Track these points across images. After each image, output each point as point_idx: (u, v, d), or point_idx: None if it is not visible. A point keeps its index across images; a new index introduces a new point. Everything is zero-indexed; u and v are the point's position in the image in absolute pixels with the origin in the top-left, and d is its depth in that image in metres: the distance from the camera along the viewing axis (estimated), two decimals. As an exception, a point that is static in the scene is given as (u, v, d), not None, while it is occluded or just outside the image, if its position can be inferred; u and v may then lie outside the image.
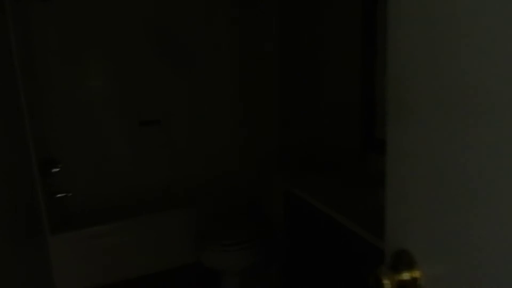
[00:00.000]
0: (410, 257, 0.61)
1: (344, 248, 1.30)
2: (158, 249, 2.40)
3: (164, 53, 2.53)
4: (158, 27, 2.50)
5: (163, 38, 2.52)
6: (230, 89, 2.74)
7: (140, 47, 2.47)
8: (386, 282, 0.59)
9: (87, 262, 2.20)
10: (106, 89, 2.46)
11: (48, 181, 2.12)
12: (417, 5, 0.56)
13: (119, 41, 2.42)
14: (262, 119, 2.65)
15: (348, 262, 1.28)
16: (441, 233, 0.55)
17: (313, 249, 1.50)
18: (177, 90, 2.61)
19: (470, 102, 0.49)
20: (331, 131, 2.06)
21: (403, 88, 0.61)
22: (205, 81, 2.66)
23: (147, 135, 2.58)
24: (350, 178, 1.65)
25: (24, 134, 1.89)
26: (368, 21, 1.66)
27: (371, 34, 1.65)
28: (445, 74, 0.53)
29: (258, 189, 2.59)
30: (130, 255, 2.31)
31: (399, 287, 0.60)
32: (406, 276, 0.60)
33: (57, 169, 2.15)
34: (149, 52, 2.50)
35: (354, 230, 1.21)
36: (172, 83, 2.59)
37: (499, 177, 0.46)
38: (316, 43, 2.10)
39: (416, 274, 0.59)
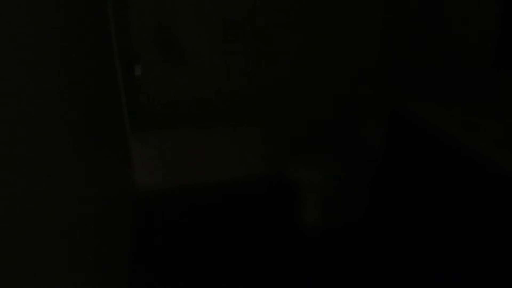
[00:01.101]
0: None
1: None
2: (237, 155, 2.37)
3: None
4: None
5: None
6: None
7: None
8: None
9: (165, 162, 2.23)
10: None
11: (130, 81, 2.09)
12: None
13: None
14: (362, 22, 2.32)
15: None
16: None
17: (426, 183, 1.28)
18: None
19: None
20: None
21: None
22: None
23: (231, 40, 2.40)
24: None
25: (108, 31, 1.81)
26: None
27: None
28: None
29: (350, 107, 2.37)
30: (210, 159, 2.31)
31: None
32: None
33: (139, 72, 2.09)
34: None
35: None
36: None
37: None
38: None
39: None
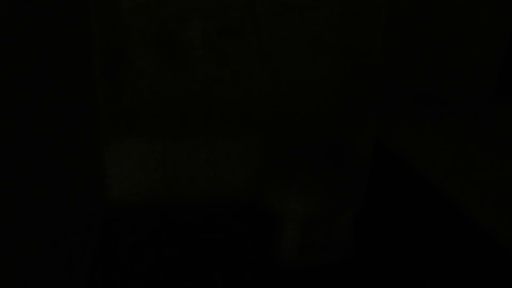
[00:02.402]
0: None
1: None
2: (216, 173, 2.13)
3: None
4: None
5: None
6: None
7: None
8: None
9: (142, 175, 1.97)
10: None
11: (111, 79, 1.82)
12: None
13: None
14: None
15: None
16: None
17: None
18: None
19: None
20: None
21: None
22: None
23: (227, 45, 2.16)
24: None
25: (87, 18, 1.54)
26: None
27: None
28: None
29: (345, 125, 2.17)
30: (187, 173, 2.07)
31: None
32: None
33: (123, 68, 1.82)
34: None
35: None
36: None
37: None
38: None
39: None
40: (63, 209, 1.10)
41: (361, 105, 2.21)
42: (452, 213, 0.94)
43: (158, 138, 1.97)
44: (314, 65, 2.25)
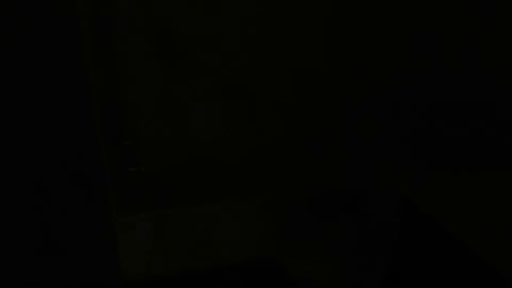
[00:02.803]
0: None
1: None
2: (226, 239, 2.08)
3: None
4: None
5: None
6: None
7: None
8: None
9: (155, 246, 1.95)
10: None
11: (117, 153, 1.88)
12: None
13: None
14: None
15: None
16: None
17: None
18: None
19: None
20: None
21: None
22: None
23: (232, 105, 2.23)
24: None
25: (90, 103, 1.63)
26: None
27: None
28: None
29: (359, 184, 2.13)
30: (203, 243, 2.02)
31: None
32: None
33: (128, 142, 1.89)
34: None
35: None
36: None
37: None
38: None
39: None
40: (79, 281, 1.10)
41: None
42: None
43: (168, 208, 1.97)
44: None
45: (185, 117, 2.16)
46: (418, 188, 1.11)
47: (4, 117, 0.86)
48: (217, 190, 2.24)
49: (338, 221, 2.10)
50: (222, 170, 2.31)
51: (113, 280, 1.74)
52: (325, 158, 2.33)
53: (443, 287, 1.03)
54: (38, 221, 1.05)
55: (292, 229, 1.99)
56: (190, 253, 2.01)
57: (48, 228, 1.02)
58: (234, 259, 2.09)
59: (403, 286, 1.27)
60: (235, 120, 2.23)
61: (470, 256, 0.88)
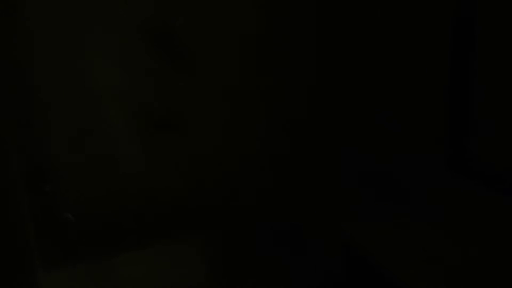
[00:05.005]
0: None
1: None
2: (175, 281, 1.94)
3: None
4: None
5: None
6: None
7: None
8: None
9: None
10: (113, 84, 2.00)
11: (39, 200, 1.67)
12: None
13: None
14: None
15: None
16: None
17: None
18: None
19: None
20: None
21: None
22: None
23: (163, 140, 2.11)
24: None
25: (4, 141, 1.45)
26: None
27: None
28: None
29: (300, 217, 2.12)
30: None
31: None
32: None
33: (49, 187, 1.70)
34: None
35: None
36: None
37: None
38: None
39: None
40: None
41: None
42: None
43: (99, 258, 1.78)
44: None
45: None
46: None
47: None
48: (154, 232, 2.09)
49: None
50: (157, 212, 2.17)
51: None
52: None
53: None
54: None
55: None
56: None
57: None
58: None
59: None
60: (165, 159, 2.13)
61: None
